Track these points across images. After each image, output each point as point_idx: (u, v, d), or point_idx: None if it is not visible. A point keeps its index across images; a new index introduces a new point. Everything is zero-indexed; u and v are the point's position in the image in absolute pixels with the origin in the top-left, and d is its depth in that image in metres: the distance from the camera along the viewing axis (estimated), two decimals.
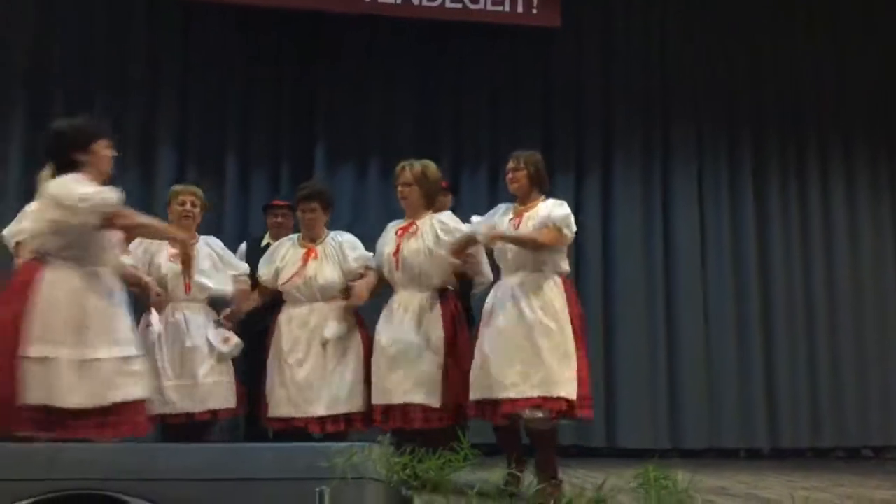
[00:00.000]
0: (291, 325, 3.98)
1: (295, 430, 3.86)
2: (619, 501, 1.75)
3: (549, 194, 3.83)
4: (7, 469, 1.53)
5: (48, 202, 3.08)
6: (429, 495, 1.29)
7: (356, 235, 4.18)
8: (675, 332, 6.23)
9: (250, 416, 4.23)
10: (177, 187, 4.25)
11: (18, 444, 1.61)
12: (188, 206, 4.07)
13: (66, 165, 3.13)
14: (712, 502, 3.55)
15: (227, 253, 4.23)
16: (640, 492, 1.66)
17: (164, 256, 3.96)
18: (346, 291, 4.03)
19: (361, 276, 4.03)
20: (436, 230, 3.91)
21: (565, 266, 3.68)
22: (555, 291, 3.57)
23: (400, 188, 3.98)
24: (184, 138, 6.05)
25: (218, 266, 4.09)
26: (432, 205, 4.00)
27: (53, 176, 3.12)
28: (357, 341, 3.97)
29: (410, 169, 3.95)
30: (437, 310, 3.86)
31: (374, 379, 3.86)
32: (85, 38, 5.99)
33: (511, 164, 3.75)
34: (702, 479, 4.18)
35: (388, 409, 3.78)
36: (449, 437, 3.73)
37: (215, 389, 3.94)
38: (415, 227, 3.96)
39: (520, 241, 3.62)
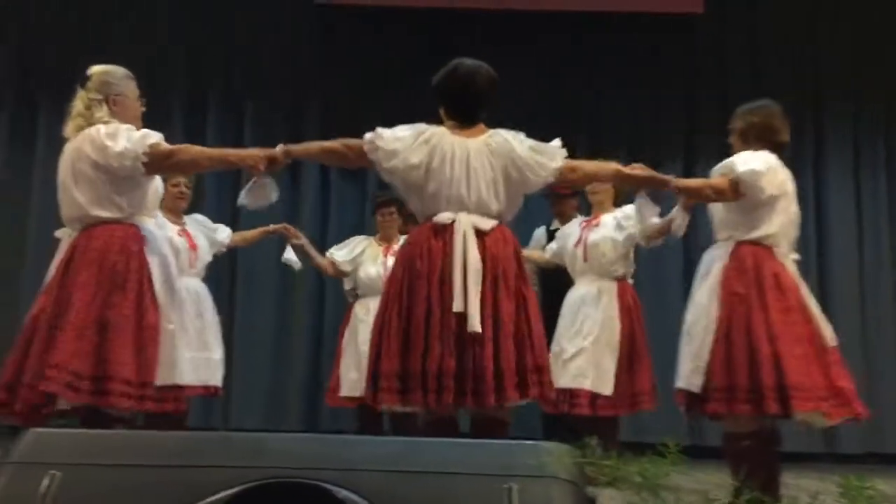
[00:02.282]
0: (370, 315, 4.45)
1: (365, 409, 4.29)
2: None
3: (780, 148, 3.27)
4: (216, 456, 1.61)
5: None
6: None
7: None
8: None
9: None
10: None
11: (227, 433, 1.70)
12: (182, 188, 4.28)
13: (471, 117, 2.90)
14: None
15: (210, 223, 4.52)
16: (844, 502, 1.57)
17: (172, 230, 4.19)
18: None
19: None
20: (618, 220, 4.19)
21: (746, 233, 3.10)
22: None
23: (592, 184, 4.17)
24: (326, 137, 6.23)
25: (210, 238, 4.41)
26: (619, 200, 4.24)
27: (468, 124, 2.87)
28: None
29: None
30: (615, 299, 4.11)
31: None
32: (235, 43, 6.31)
33: None
34: None
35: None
36: (612, 429, 3.93)
37: (220, 366, 4.25)
38: (598, 220, 4.27)
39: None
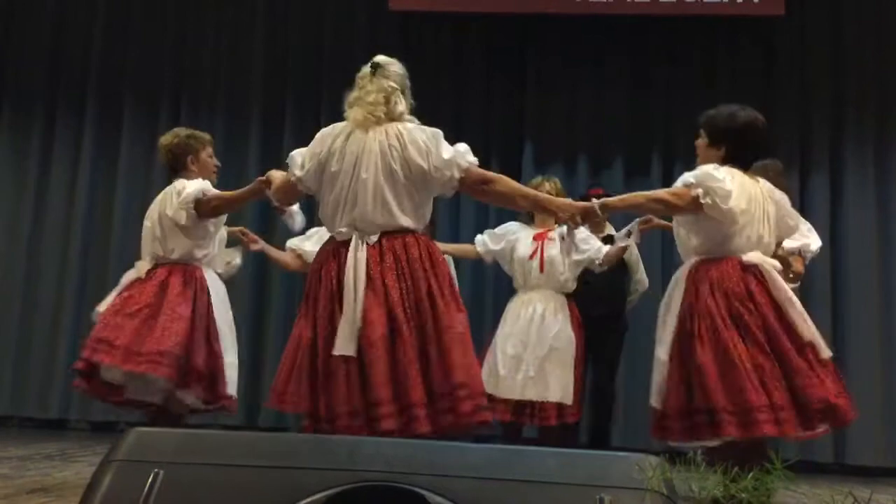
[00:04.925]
0: None
1: None
2: None
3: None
4: (312, 458, 1.64)
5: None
6: None
7: None
8: None
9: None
10: None
11: (322, 436, 1.73)
12: None
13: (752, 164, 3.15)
14: None
15: None
16: None
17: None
18: None
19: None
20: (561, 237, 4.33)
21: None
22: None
23: None
24: None
25: None
26: None
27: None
28: None
29: None
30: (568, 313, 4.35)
31: None
32: (310, 50, 6.41)
33: None
34: None
35: None
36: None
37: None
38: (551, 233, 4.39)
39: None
